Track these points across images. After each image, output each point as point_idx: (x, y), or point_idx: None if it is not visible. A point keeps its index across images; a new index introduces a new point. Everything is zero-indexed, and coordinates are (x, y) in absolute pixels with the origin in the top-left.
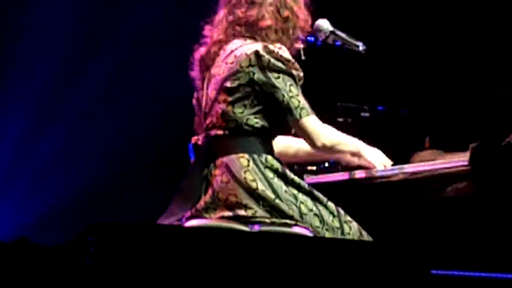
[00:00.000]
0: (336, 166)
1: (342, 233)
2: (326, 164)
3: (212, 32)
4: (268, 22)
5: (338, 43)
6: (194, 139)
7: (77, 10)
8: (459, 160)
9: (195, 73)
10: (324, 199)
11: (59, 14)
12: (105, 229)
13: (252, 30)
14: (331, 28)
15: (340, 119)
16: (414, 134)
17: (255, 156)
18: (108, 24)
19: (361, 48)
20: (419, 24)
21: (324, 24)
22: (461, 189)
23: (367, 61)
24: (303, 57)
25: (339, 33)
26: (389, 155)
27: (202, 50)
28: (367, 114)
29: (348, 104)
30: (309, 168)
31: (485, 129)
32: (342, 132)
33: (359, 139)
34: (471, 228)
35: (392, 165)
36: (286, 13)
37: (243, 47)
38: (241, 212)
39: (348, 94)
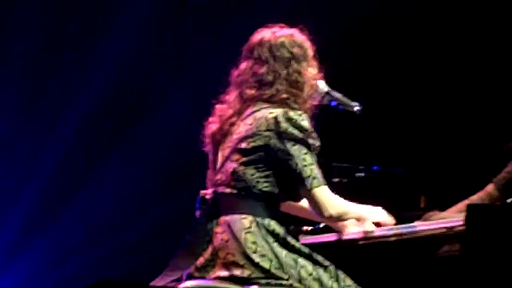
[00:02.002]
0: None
1: None
2: (322, 225)
3: (224, 110)
4: (284, 95)
5: (334, 103)
6: (202, 192)
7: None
8: (454, 220)
9: (207, 148)
10: (325, 262)
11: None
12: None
13: (270, 103)
14: (326, 89)
15: (335, 180)
16: (409, 193)
17: (258, 219)
18: None
19: (356, 108)
20: (412, 84)
21: (319, 84)
22: (456, 249)
23: (362, 121)
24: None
25: (334, 93)
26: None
27: (213, 127)
28: (362, 174)
29: (343, 164)
30: (305, 228)
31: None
32: (337, 192)
33: (354, 199)
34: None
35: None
36: (294, 77)
37: (264, 111)
38: (237, 273)
39: (343, 154)
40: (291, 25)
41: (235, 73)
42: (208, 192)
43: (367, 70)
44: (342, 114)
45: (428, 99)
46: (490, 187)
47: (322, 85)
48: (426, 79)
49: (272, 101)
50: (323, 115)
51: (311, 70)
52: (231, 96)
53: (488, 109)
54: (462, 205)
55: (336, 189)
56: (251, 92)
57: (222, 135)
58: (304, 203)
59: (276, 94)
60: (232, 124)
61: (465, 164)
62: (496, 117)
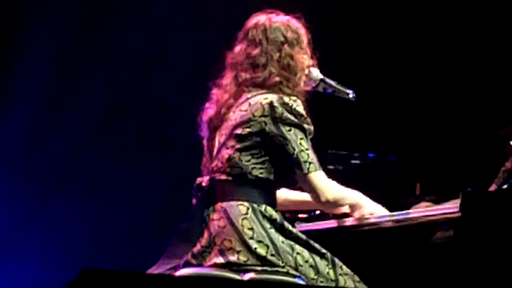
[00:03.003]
0: (327, 213)
1: (337, 285)
2: (317, 212)
3: (220, 94)
4: (276, 79)
5: (328, 90)
6: (198, 179)
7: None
8: (449, 207)
9: (203, 133)
10: (322, 250)
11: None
12: (92, 276)
13: (263, 88)
14: (321, 76)
15: (331, 167)
16: (404, 180)
17: (255, 205)
18: None
19: (351, 95)
20: (406, 71)
21: (314, 72)
22: (451, 236)
23: (356, 108)
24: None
25: (328, 81)
26: (379, 202)
27: (210, 112)
28: (357, 161)
29: (338, 151)
30: (300, 215)
31: (474, 174)
32: (332, 179)
33: (349, 186)
34: (460, 274)
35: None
36: (286, 61)
37: (259, 97)
38: (233, 258)
39: (338, 141)
40: (287, 12)
41: (230, 56)
42: (204, 179)
43: (362, 57)
44: (336, 101)
45: (423, 85)
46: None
47: (317, 73)
48: (421, 65)
49: (265, 85)
50: (318, 102)
51: (304, 56)
52: (227, 79)
53: (482, 95)
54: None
55: (331, 176)
56: (245, 75)
57: (219, 120)
58: (300, 196)
59: (269, 77)
60: (229, 108)
61: (459, 150)
62: (490, 103)
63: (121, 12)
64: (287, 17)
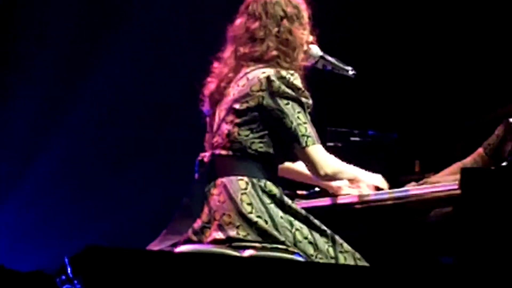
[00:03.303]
0: (326, 190)
1: (337, 262)
2: (317, 189)
3: (221, 68)
4: (274, 53)
5: (328, 68)
6: (201, 155)
7: None
8: (448, 184)
9: (205, 107)
10: (322, 226)
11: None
12: (92, 253)
13: (261, 62)
14: (320, 53)
15: (330, 144)
16: (404, 157)
17: (254, 180)
18: None
19: (350, 73)
20: (407, 48)
21: (313, 49)
22: (451, 213)
23: (356, 86)
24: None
25: (328, 58)
26: None
27: (211, 86)
28: (357, 139)
29: (338, 129)
30: (300, 192)
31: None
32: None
33: (349, 163)
34: (460, 251)
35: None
36: (285, 36)
37: (256, 71)
38: (233, 233)
39: (338, 119)
40: None
41: (230, 29)
42: (206, 155)
43: (361, 35)
44: (336, 78)
45: (423, 64)
46: (479, 152)
47: (316, 50)
48: (421, 43)
49: (263, 59)
50: (318, 79)
51: (303, 32)
52: (227, 53)
53: (481, 74)
54: (454, 167)
55: (331, 153)
56: (244, 49)
57: (219, 94)
58: (302, 167)
59: (266, 51)
60: (229, 83)
61: (458, 128)
62: (489, 82)
63: (123, 12)
64: None
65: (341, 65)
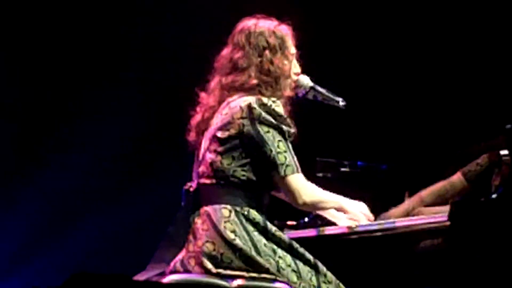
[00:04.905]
0: (315, 221)
1: None
2: (306, 219)
3: (207, 99)
4: (254, 81)
5: (318, 98)
6: (187, 184)
7: None
8: (438, 216)
9: (191, 137)
10: (306, 255)
11: None
12: (81, 280)
13: (243, 91)
14: (311, 84)
15: (320, 174)
16: (393, 188)
17: (238, 208)
18: None
19: (341, 103)
20: (398, 79)
21: (304, 79)
22: (440, 244)
23: (346, 117)
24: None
25: (319, 88)
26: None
27: (197, 117)
28: (346, 169)
29: (328, 159)
30: (289, 223)
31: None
32: (322, 187)
33: (338, 194)
34: (449, 283)
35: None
36: (266, 66)
37: (239, 100)
38: (217, 261)
39: (327, 149)
40: (279, 18)
41: (216, 59)
42: (192, 184)
43: (352, 65)
44: (326, 109)
45: (413, 94)
46: (456, 177)
47: (307, 80)
48: (411, 74)
49: (244, 88)
50: (308, 109)
51: (285, 62)
52: (213, 83)
53: (472, 106)
54: (425, 192)
55: (320, 183)
56: (227, 79)
57: (204, 124)
58: None
59: (247, 80)
60: (214, 112)
61: (447, 160)
62: (479, 114)
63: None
64: (276, 23)
65: (331, 95)
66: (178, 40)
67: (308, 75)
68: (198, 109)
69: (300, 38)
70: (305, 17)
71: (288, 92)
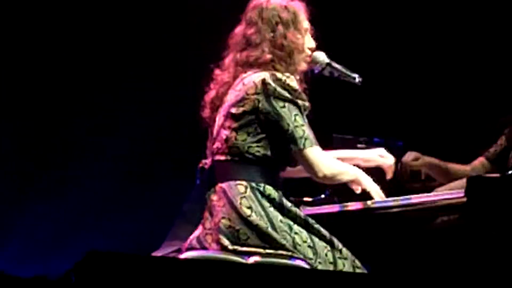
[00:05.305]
0: (331, 197)
1: (335, 268)
2: (322, 196)
3: (221, 75)
4: (268, 56)
5: (335, 74)
6: (202, 162)
7: None
8: (455, 192)
9: (206, 114)
10: (322, 231)
11: None
12: (97, 258)
13: (256, 67)
14: (327, 60)
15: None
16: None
17: (253, 184)
18: None
19: (357, 80)
20: (415, 56)
21: (320, 56)
22: (456, 220)
23: (363, 93)
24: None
25: (335, 65)
26: (385, 187)
27: (212, 93)
28: (363, 146)
29: (344, 136)
30: (305, 199)
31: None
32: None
33: None
34: (465, 259)
35: (387, 196)
36: (279, 41)
37: (252, 76)
38: (233, 238)
39: (344, 125)
40: None
41: (230, 37)
42: (207, 162)
43: (369, 42)
44: (343, 85)
45: (429, 71)
46: (478, 162)
47: (323, 57)
48: (429, 52)
49: (258, 64)
50: (325, 86)
51: (298, 36)
52: (227, 60)
53: (486, 82)
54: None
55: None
56: (241, 55)
57: (219, 101)
58: (344, 153)
59: (261, 56)
60: (227, 89)
61: (463, 136)
62: (493, 91)
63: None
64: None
65: (347, 72)
66: (184, 42)
67: (324, 51)
68: (212, 85)
69: (316, 14)
70: None
71: (302, 67)
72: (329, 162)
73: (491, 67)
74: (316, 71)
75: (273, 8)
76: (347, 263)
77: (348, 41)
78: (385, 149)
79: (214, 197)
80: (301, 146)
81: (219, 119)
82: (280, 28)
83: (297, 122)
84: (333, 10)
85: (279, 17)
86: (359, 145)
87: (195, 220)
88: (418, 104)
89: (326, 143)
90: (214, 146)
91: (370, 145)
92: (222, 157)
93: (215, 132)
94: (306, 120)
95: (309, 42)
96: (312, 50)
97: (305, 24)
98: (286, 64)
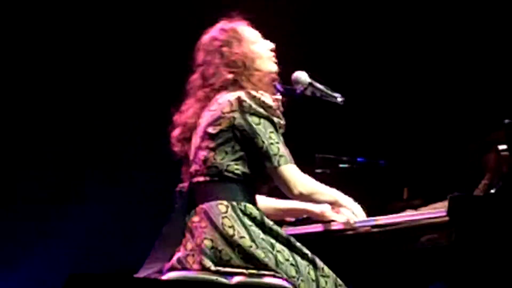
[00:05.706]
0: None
1: (318, 286)
2: (304, 216)
3: (183, 114)
4: (229, 76)
5: (317, 94)
6: (179, 186)
7: None
8: (437, 211)
9: (177, 147)
10: (303, 249)
11: None
12: (80, 281)
13: (225, 89)
14: (309, 80)
15: (319, 170)
16: (392, 184)
17: (234, 203)
18: None
19: (339, 99)
20: (396, 75)
21: (302, 76)
22: (438, 240)
23: (345, 113)
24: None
25: (317, 85)
26: (367, 206)
27: (177, 131)
28: (345, 165)
29: (326, 155)
30: (287, 219)
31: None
32: (321, 183)
33: (337, 190)
34: (448, 278)
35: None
36: (231, 58)
37: (227, 95)
38: (216, 258)
39: (326, 145)
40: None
41: (187, 85)
42: (184, 186)
43: (350, 61)
44: (325, 105)
45: (412, 90)
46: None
47: (305, 77)
48: (409, 70)
49: (225, 86)
50: (306, 106)
51: (246, 46)
52: (189, 102)
53: (470, 102)
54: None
55: (319, 180)
56: (205, 90)
57: (189, 130)
58: (289, 204)
59: (223, 79)
60: (198, 117)
61: (446, 156)
62: (477, 110)
63: None
64: (219, 24)
65: (329, 92)
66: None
67: (305, 71)
68: (174, 125)
69: (298, 35)
70: (304, 14)
71: (272, 74)
72: (306, 180)
73: (473, 85)
74: (298, 91)
75: (211, 38)
76: (330, 281)
77: (330, 60)
78: (367, 168)
79: (196, 218)
80: (276, 164)
81: (195, 141)
82: (225, 49)
83: (272, 139)
84: (314, 30)
85: (220, 41)
86: (341, 165)
87: (175, 243)
88: (401, 123)
89: (309, 163)
90: (192, 169)
91: (353, 164)
92: (201, 178)
93: (191, 154)
94: (281, 138)
95: (264, 45)
96: (273, 50)
97: (249, 32)
98: (252, 77)
